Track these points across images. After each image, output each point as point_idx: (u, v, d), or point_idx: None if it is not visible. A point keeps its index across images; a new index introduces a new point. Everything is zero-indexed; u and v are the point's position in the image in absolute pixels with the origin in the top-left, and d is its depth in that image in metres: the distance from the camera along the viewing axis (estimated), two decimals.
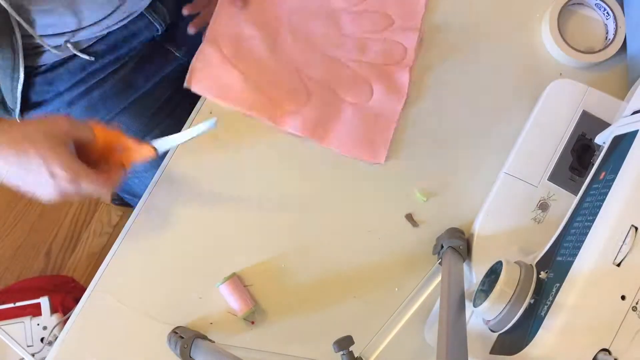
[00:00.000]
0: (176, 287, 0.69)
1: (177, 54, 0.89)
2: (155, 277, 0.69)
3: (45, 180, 0.53)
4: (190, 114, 0.73)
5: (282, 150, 0.72)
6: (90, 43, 0.78)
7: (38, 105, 0.82)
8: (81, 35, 0.75)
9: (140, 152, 0.59)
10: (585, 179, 0.58)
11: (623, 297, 0.48)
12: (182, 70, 0.89)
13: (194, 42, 0.86)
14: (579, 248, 0.51)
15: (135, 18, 0.80)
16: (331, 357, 0.54)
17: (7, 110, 0.78)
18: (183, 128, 0.72)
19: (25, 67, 0.73)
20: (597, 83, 0.70)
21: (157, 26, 0.84)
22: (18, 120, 0.79)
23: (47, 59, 0.77)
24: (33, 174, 0.53)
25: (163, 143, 0.61)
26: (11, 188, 0.55)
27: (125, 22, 0.79)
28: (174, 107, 0.87)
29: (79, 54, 0.77)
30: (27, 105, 0.83)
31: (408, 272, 0.70)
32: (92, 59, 0.79)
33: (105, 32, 0.78)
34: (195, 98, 0.73)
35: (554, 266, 0.54)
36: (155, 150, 0.60)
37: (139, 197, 0.72)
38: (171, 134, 0.70)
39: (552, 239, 0.57)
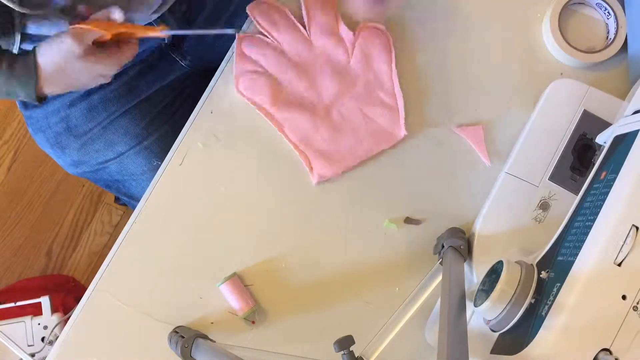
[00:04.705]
0: (177, 287, 0.69)
1: (182, 63, 0.89)
2: (156, 276, 0.69)
3: (94, 83, 0.68)
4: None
5: (282, 151, 0.72)
6: None
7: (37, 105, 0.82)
8: None
9: (147, 33, 0.67)
10: (586, 178, 0.58)
11: (624, 297, 0.48)
12: (185, 78, 0.90)
13: (200, 52, 0.85)
14: (579, 248, 0.51)
15: None
16: (332, 357, 0.54)
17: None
18: (182, 131, 0.72)
19: None
20: (598, 83, 0.70)
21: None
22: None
23: None
24: (82, 85, 0.68)
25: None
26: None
27: None
28: (173, 112, 0.87)
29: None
30: (27, 103, 0.83)
31: (409, 271, 0.70)
32: None
33: None
34: (195, 105, 0.73)
35: (554, 266, 0.54)
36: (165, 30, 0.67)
37: (136, 200, 0.72)
38: (170, 139, 0.71)
39: (552, 239, 0.57)
